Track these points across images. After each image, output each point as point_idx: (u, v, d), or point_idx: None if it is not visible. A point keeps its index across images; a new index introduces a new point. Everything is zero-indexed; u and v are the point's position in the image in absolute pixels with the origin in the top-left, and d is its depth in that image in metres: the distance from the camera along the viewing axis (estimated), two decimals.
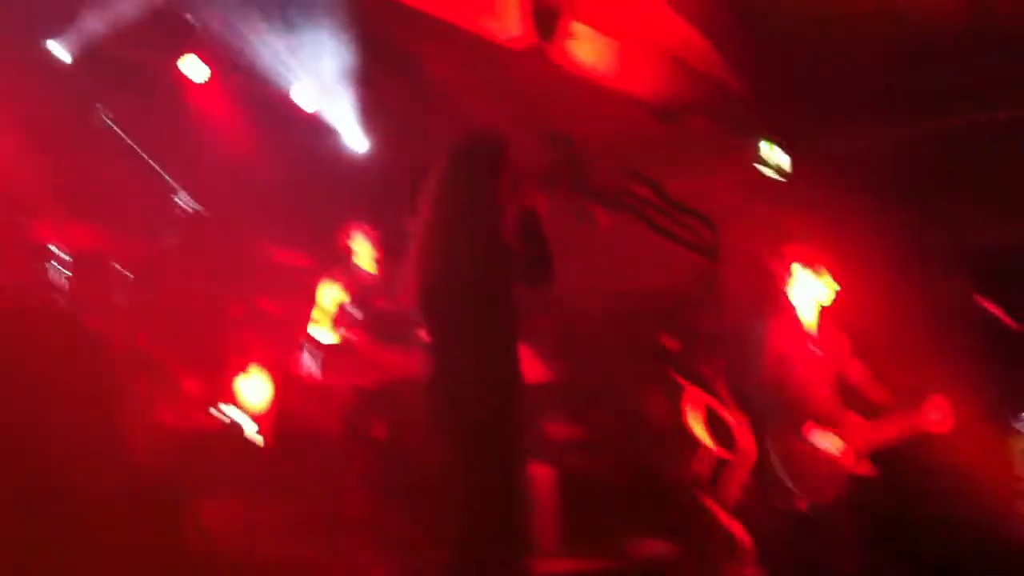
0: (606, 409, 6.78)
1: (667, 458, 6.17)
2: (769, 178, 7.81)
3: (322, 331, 6.78)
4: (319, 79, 8.27)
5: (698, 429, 4.98)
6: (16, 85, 6.92)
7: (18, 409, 5.66)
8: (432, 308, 3.73)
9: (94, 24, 7.53)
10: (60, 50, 7.61)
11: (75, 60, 7.61)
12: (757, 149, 7.83)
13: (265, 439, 6.61)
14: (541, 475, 6.32)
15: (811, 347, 4.80)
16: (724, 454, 4.66)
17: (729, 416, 4.76)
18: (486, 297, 3.66)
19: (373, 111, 8.78)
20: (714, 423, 4.90)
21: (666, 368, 5.00)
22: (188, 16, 7.72)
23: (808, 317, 4.90)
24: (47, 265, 6.65)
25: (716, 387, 4.90)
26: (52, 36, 7.57)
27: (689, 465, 4.91)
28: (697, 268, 4.47)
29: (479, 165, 3.77)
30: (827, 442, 4.46)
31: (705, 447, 4.85)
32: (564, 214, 4.14)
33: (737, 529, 4.56)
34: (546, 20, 6.53)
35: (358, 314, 6.63)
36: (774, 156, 7.77)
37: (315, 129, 8.60)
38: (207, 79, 7.91)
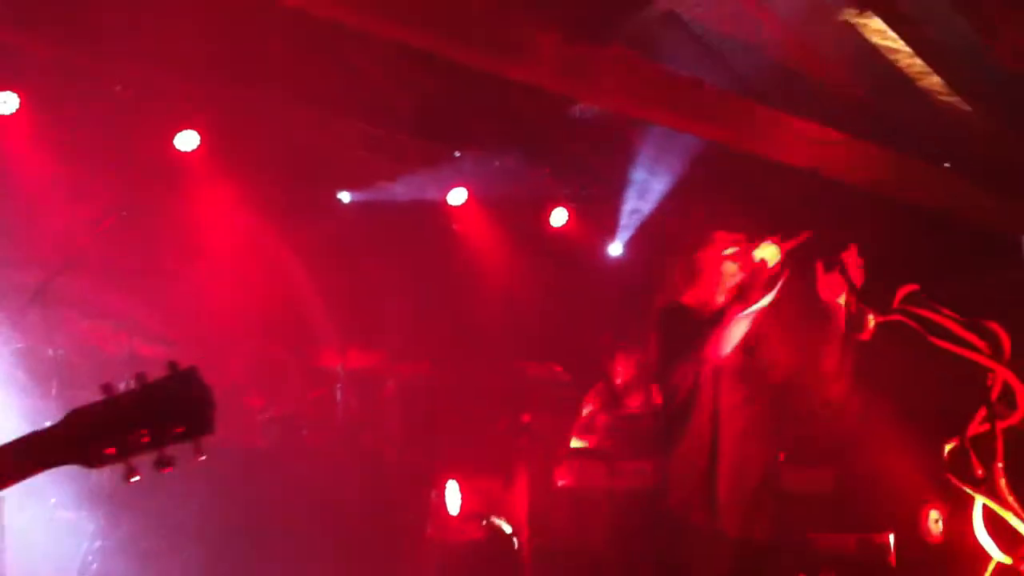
0: (876, 522, 6.45)
1: (944, 567, 5.78)
2: None
3: (581, 443, 6.91)
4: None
5: (983, 537, 4.64)
6: (306, 230, 7.70)
7: (302, 518, 6.09)
8: None
9: (379, 173, 8.22)
10: (347, 196, 8.35)
11: (357, 204, 8.34)
12: None
13: (527, 549, 6.70)
14: None
15: None
16: (1013, 563, 4.31)
17: (1016, 522, 4.42)
18: None
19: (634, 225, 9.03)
20: (1000, 530, 4.55)
21: (946, 476, 4.73)
22: (456, 153, 8.29)
23: None
24: (333, 388, 7.17)
25: (1001, 492, 4.56)
26: (342, 187, 8.37)
27: None
28: (978, 374, 4.28)
29: None
30: None
31: (991, 557, 4.50)
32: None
33: None
34: None
35: (613, 427, 6.73)
36: None
37: (571, 249, 8.90)
38: (465, 203, 8.35)
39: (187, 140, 7.21)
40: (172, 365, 1.89)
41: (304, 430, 6.82)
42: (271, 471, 6.38)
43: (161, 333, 6.59)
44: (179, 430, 1.85)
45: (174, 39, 6.18)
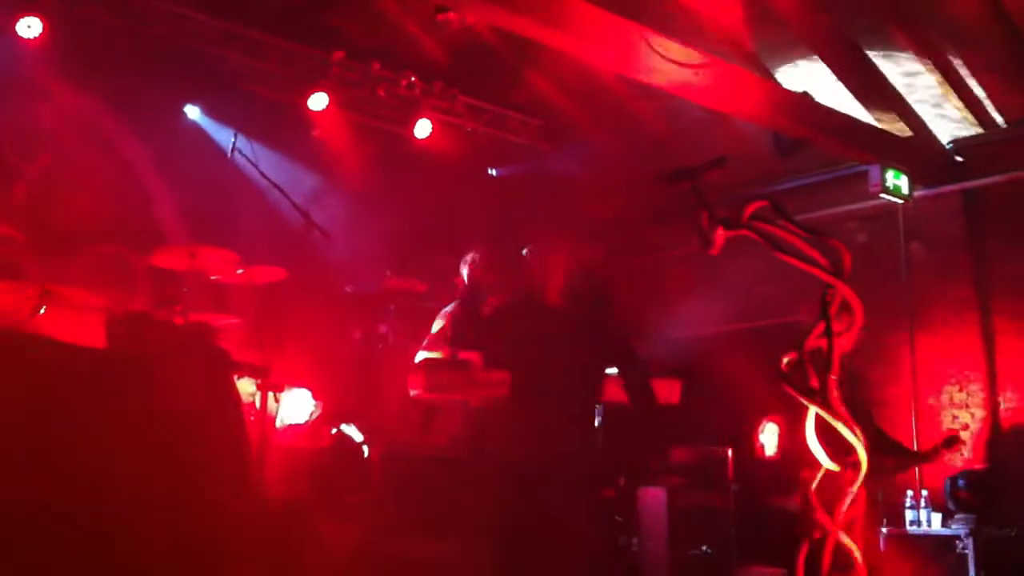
0: (717, 435, 6.68)
1: (777, 481, 6.02)
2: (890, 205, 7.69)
3: (437, 353, 6.89)
4: None
5: (814, 446, 4.79)
6: (157, 139, 7.47)
7: (139, 420, 5.88)
8: None
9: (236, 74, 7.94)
10: (194, 111, 8.10)
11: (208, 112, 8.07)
12: (881, 177, 7.67)
13: (377, 457, 6.69)
14: (654, 498, 6.26)
15: None
16: (840, 471, 4.49)
17: (846, 432, 4.59)
18: None
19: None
20: (830, 440, 4.72)
21: (783, 388, 4.86)
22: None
23: None
24: (182, 289, 6.94)
25: (833, 404, 4.73)
26: (190, 100, 8.15)
27: (802, 485, 4.74)
28: (820, 288, 4.41)
29: None
30: None
31: (819, 465, 4.67)
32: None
33: (849, 547, 4.36)
34: None
35: (468, 336, 6.71)
36: (896, 183, 7.62)
37: (439, 163, 8.81)
38: (326, 108, 8.15)
39: (28, 27, 6.81)
40: None
41: (148, 331, 6.57)
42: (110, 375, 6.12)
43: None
44: None
45: None
